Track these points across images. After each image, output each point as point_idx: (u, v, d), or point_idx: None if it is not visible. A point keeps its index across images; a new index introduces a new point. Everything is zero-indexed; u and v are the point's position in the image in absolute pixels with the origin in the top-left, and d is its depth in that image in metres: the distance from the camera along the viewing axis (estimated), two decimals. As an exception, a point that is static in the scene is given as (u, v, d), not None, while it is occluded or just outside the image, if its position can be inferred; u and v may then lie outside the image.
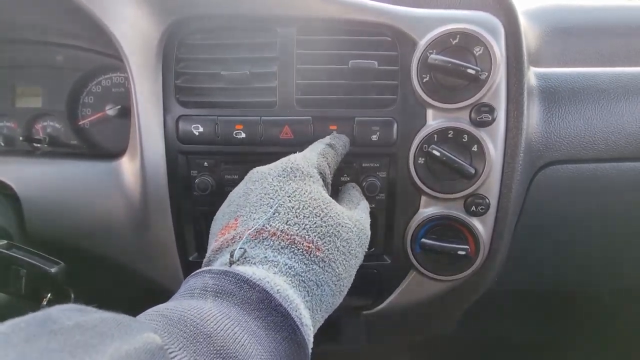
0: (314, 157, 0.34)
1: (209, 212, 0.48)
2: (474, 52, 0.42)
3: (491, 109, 0.42)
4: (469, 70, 0.40)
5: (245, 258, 0.26)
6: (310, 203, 0.28)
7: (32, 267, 0.35)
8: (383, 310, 0.52)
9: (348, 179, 0.46)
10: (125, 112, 0.54)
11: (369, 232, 0.33)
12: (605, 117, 0.48)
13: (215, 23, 0.44)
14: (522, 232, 0.50)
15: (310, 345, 0.24)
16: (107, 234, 0.46)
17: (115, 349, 0.15)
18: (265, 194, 0.29)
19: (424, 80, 0.43)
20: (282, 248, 0.26)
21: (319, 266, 0.26)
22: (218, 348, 0.19)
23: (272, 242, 0.26)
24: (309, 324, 0.25)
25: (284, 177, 0.30)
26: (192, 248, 0.49)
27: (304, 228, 0.27)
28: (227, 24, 0.44)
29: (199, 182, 0.46)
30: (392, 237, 0.47)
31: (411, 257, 0.47)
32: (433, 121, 0.44)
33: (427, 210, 0.46)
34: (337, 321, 0.61)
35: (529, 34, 0.54)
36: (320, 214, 0.28)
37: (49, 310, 0.16)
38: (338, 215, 0.29)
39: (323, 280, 0.26)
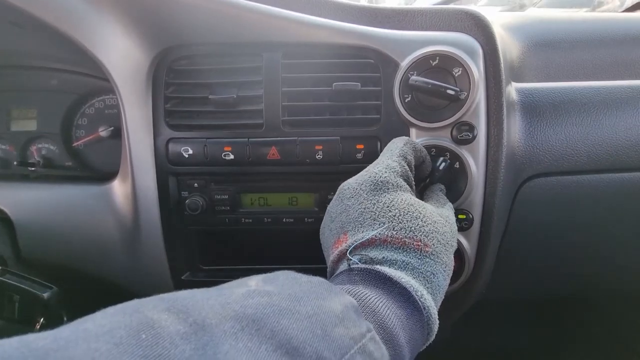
0: (397, 165, 0.36)
1: (200, 231, 0.50)
2: (453, 73, 0.43)
3: (471, 127, 0.44)
4: (449, 91, 0.42)
5: (366, 261, 0.30)
6: (408, 209, 0.32)
7: (25, 293, 0.36)
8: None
9: (335, 196, 0.47)
10: (118, 133, 0.55)
11: (456, 225, 0.37)
12: (586, 130, 0.49)
13: (202, 49, 0.45)
14: (509, 244, 0.51)
15: (437, 323, 0.29)
16: (100, 255, 0.47)
17: (338, 300, 0.23)
18: (364, 209, 0.33)
19: (406, 100, 0.44)
20: (396, 249, 0.30)
21: (431, 259, 0.31)
22: (380, 323, 0.25)
23: (386, 246, 0.31)
24: (434, 309, 0.29)
25: (377, 191, 0.33)
26: (184, 267, 0.50)
27: (410, 230, 0.31)
28: (214, 50, 0.45)
29: (190, 202, 0.47)
30: (380, 252, 0.48)
31: (399, 272, 0.48)
32: (417, 139, 0.45)
33: (413, 225, 0.47)
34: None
35: (512, 48, 0.55)
36: (419, 216, 0.32)
37: (287, 272, 0.26)
38: (433, 214, 0.33)
39: (437, 270, 0.31)
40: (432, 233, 0.32)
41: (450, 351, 0.79)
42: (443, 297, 0.32)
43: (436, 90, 0.42)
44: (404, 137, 0.40)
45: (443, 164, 0.43)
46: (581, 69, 0.57)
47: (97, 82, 0.56)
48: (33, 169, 0.55)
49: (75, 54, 0.44)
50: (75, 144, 0.58)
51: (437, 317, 0.29)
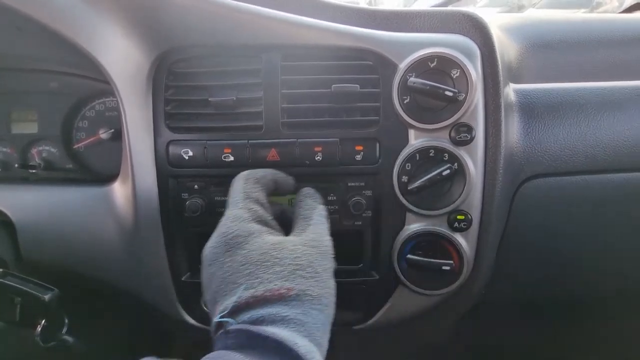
0: (243, 212, 0.35)
1: (200, 232, 0.50)
2: (451, 74, 0.43)
3: (469, 128, 0.44)
4: (447, 92, 0.42)
5: (250, 323, 0.29)
6: (262, 259, 0.31)
7: (26, 295, 0.36)
8: (374, 325, 0.52)
9: (334, 198, 0.48)
10: (119, 135, 0.55)
11: (327, 241, 0.35)
12: (584, 131, 0.50)
13: (202, 52, 0.46)
14: (508, 244, 0.51)
15: None
16: (101, 257, 0.47)
17: None
18: (224, 276, 0.32)
19: (405, 101, 0.44)
20: (261, 306, 0.30)
21: (298, 300, 0.30)
22: None
23: (252, 307, 0.30)
24: (311, 349, 0.28)
25: (231, 250, 0.33)
26: (185, 268, 0.50)
27: (269, 282, 0.30)
28: (214, 53, 0.46)
29: (190, 204, 0.47)
30: (379, 253, 0.49)
31: (398, 272, 0.48)
32: (415, 141, 0.45)
33: (412, 226, 0.47)
34: (330, 337, 0.61)
35: (510, 49, 0.56)
36: (276, 262, 0.31)
37: None
38: (291, 250, 0.32)
39: (307, 308, 0.30)
40: (291, 274, 0.31)
41: (453, 351, 0.80)
42: (328, 331, 0.32)
43: (434, 92, 0.42)
44: (242, 173, 0.39)
45: (447, 170, 0.43)
46: (579, 70, 0.57)
47: (97, 85, 0.56)
48: (34, 171, 0.55)
49: (75, 56, 0.44)
50: (75, 147, 0.58)
51: (319, 357, 0.28)
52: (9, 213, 0.47)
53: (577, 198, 0.50)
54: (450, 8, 0.51)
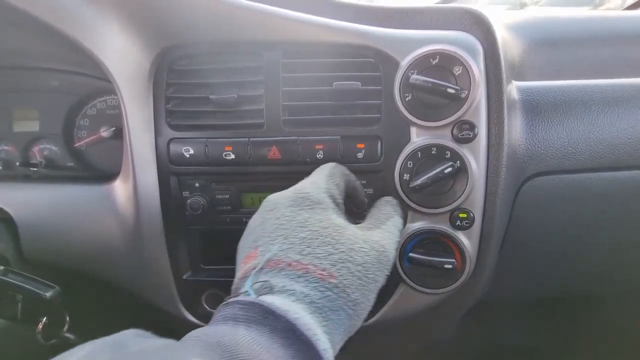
0: (322, 182, 0.35)
1: (201, 231, 0.50)
2: (454, 71, 0.43)
3: (472, 126, 0.44)
4: (449, 90, 0.42)
5: (266, 288, 0.28)
6: (321, 232, 0.30)
7: (27, 292, 0.36)
8: (376, 323, 0.52)
9: (336, 196, 0.47)
10: (120, 134, 0.55)
11: (391, 254, 0.33)
12: (587, 128, 0.49)
13: (203, 49, 0.45)
14: (511, 242, 0.50)
15: None
16: (102, 255, 0.47)
17: None
18: (279, 225, 0.31)
19: (407, 99, 0.44)
20: (298, 277, 0.28)
21: (333, 292, 0.28)
22: None
23: (289, 272, 0.28)
24: (327, 348, 0.26)
25: (295, 207, 0.32)
26: (186, 266, 0.50)
27: (316, 257, 0.28)
28: (215, 50, 0.46)
29: (191, 202, 0.47)
30: (381, 251, 0.48)
31: (400, 271, 0.48)
32: (417, 138, 0.45)
33: (414, 224, 0.47)
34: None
35: (513, 47, 0.55)
36: (331, 241, 0.29)
37: (118, 336, 0.20)
38: (351, 240, 0.30)
39: (338, 306, 0.28)
40: (342, 263, 0.28)
41: (455, 350, 0.79)
42: (347, 337, 0.29)
43: (436, 89, 0.42)
44: (333, 163, 0.41)
45: (450, 168, 0.43)
46: (582, 67, 0.57)
47: (98, 83, 0.56)
48: (35, 169, 0.55)
49: (76, 54, 0.44)
50: (77, 145, 0.58)
51: (331, 358, 0.26)
52: (10, 211, 0.47)
53: (580, 196, 0.49)
54: (452, 5, 0.51)
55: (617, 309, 0.73)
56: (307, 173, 0.46)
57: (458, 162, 0.44)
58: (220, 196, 0.48)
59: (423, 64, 0.43)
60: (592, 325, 0.76)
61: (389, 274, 0.33)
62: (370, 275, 0.30)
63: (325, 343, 0.26)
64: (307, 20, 0.44)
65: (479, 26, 0.45)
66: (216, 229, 0.49)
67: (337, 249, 0.29)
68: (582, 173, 0.49)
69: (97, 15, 0.42)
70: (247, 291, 0.27)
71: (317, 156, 0.45)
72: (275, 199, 0.34)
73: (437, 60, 0.43)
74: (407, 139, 0.45)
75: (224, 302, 0.28)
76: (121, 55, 0.44)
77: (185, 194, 0.48)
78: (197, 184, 0.47)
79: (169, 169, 0.46)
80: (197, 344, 0.22)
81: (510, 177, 0.47)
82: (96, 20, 0.43)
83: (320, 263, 0.28)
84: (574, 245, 0.53)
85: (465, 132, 0.44)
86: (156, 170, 0.46)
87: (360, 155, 0.45)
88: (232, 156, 0.45)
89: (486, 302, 0.54)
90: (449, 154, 0.44)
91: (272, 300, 0.26)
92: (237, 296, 0.28)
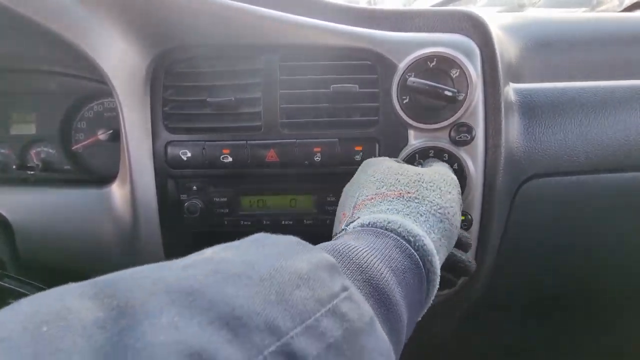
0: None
1: (199, 233, 0.50)
2: (451, 74, 0.43)
3: (469, 128, 0.44)
4: (446, 92, 0.42)
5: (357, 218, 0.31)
6: (388, 171, 0.35)
7: (23, 297, 0.36)
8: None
9: (334, 198, 0.47)
10: (117, 136, 0.55)
11: (454, 177, 0.37)
12: (584, 130, 0.49)
13: (200, 52, 0.45)
14: (509, 244, 0.51)
15: (436, 266, 0.28)
16: (99, 259, 0.47)
17: (307, 258, 0.21)
18: (363, 182, 0.35)
19: (404, 101, 0.44)
20: (380, 203, 0.31)
21: (414, 202, 0.31)
22: (367, 278, 0.23)
23: (369, 204, 0.32)
24: (429, 243, 0.28)
25: (366, 168, 0.37)
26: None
27: (390, 186, 0.33)
28: (212, 53, 0.46)
29: (189, 205, 0.47)
30: (379, 254, 0.48)
31: (398, 273, 0.48)
32: (415, 141, 0.45)
33: (412, 227, 0.47)
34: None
35: (510, 49, 0.55)
36: (398, 172, 0.34)
37: (257, 235, 0.23)
38: (415, 170, 0.35)
39: (423, 210, 0.31)
40: (413, 182, 0.33)
41: (454, 351, 0.79)
42: (447, 243, 0.31)
43: (434, 92, 0.42)
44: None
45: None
46: (579, 69, 0.57)
47: (96, 86, 0.56)
48: (32, 172, 0.55)
49: (73, 57, 0.44)
50: (74, 148, 0.58)
51: (435, 255, 0.27)
52: (6, 214, 0.47)
53: (578, 198, 0.50)
54: (449, 7, 0.51)
55: (615, 310, 0.73)
56: (306, 175, 0.47)
57: (456, 164, 0.44)
58: (218, 199, 0.47)
59: (420, 66, 0.43)
60: (590, 325, 0.76)
61: (460, 192, 0.36)
62: (443, 188, 0.33)
63: (426, 241, 0.27)
64: (304, 23, 0.44)
65: (476, 29, 0.45)
66: (214, 232, 0.49)
67: (404, 176, 0.34)
68: (579, 175, 0.49)
69: (94, 18, 0.42)
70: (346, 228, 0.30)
71: (315, 158, 0.45)
72: (363, 164, 0.39)
73: (434, 63, 0.43)
74: (405, 142, 0.45)
75: (337, 236, 0.30)
76: (118, 58, 0.44)
77: (183, 196, 0.47)
78: (194, 187, 0.47)
79: (167, 172, 0.46)
80: (322, 248, 0.24)
81: (507, 179, 0.47)
82: (94, 23, 0.42)
83: (395, 188, 0.32)
84: (572, 246, 0.53)
85: (462, 134, 0.44)
86: (153, 173, 0.46)
87: (358, 157, 0.45)
88: (230, 159, 0.45)
89: (484, 303, 0.54)
90: (446, 157, 0.44)
91: (373, 217, 0.29)
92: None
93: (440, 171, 0.36)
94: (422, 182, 0.33)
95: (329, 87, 0.44)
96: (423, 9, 0.49)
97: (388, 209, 0.30)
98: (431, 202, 0.31)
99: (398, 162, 0.38)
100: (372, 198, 0.32)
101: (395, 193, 0.32)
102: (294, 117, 0.45)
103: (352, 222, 0.30)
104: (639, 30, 0.59)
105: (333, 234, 0.36)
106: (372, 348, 0.19)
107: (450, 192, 0.34)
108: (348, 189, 0.37)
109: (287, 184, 0.48)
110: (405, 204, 0.31)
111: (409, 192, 0.32)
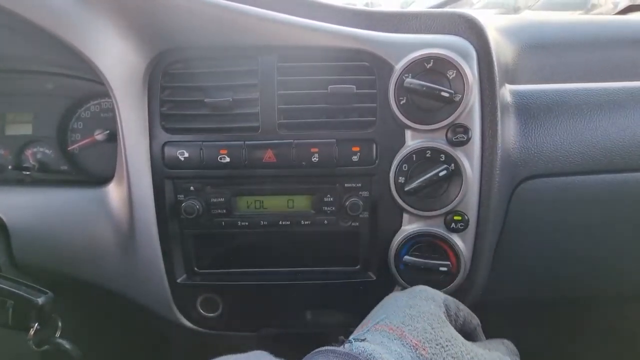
0: (441, 294, 0.39)
1: (196, 234, 0.50)
2: (448, 75, 0.43)
3: (466, 129, 0.44)
4: (443, 93, 0.42)
5: (365, 340, 0.30)
6: (427, 316, 0.33)
7: (19, 298, 0.36)
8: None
9: (331, 199, 0.47)
10: (114, 137, 0.55)
11: None
12: (580, 131, 0.50)
13: (198, 53, 0.45)
14: (506, 245, 0.51)
15: None
16: (96, 260, 0.47)
17: None
18: (395, 306, 0.36)
19: (401, 102, 0.44)
20: (394, 339, 0.31)
21: None
22: None
23: (387, 334, 0.31)
24: None
25: (412, 297, 0.37)
26: (181, 270, 0.50)
27: (414, 329, 0.31)
28: (210, 54, 0.46)
29: (186, 206, 0.47)
30: (376, 254, 0.48)
31: (395, 273, 0.48)
32: (412, 141, 0.45)
33: (409, 227, 0.47)
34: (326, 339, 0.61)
35: (506, 51, 0.56)
36: (433, 324, 0.32)
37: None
38: (452, 335, 0.32)
39: None
40: (436, 344, 0.31)
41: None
42: None
43: (431, 93, 0.42)
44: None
45: (444, 171, 0.43)
46: (575, 71, 0.58)
47: (92, 86, 0.56)
48: (28, 173, 0.55)
49: (70, 57, 0.44)
50: (70, 148, 0.58)
51: None
52: (2, 215, 0.46)
53: (573, 198, 0.50)
54: (446, 9, 0.51)
55: (612, 310, 0.73)
56: (303, 176, 0.47)
57: (452, 165, 0.44)
58: (215, 199, 0.47)
59: (417, 67, 0.44)
60: (587, 326, 0.76)
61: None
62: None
63: None
64: (302, 25, 0.44)
65: (473, 30, 0.46)
66: (211, 233, 0.49)
67: (435, 332, 0.31)
68: (575, 176, 0.50)
69: (92, 19, 0.42)
70: (349, 340, 0.30)
71: (313, 159, 0.45)
72: (397, 293, 0.39)
73: (431, 64, 0.44)
74: (402, 142, 0.46)
75: (317, 350, 0.30)
76: (116, 58, 0.44)
77: (180, 197, 0.47)
78: (192, 188, 0.47)
79: (164, 173, 0.46)
80: None
81: (504, 179, 0.47)
82: (91, 25, 0.42)
83: (417, 335, 0.31)
84: (568, 247, 0.53)
85: (459, 135, 0.44)
86: (151, 174, 0.46)
87: (355, 158, 0.46)
88: (227, 159, 0.45)
89: (481, 304, 0.54)
90: (443, 157, 0.44)
91: (365, 347, 0.29)
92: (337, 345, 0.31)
93: (479, 357, 0.33)
94: (445, 351, 0.31)
95: (326, 88, 0.45)
96: (420, 10, 0.49)
97: (397, 352, 0.29)
98: None
99: (446, 318, 0.35)
100: (392, 329, 0.31)
101: (414, 340, 0.30)
102: (292, 117, 0.46)
103: (361, 340, 0.30)
104: (633, 32, 0.60)
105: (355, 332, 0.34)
106: None
107: None
108: (385, 305, 0.37)
109: (285, 184, 0.48)
110: (413, 358, 0.29)
111: (424, 349, 0.30)
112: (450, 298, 0.39)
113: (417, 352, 0.30)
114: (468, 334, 0.39)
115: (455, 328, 0.36)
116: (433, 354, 0.30)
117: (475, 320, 0.40)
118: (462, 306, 0.39)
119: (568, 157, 0.49)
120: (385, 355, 0.28)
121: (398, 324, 0.32)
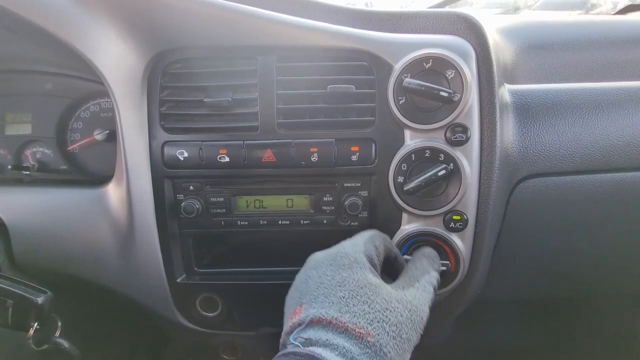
0: (361, 244, 0.38)
1: (195, 234, 0.50)
2: (447, 75, 0.43)
3: (465, 129, 0.44)
4: (442, 93, 0.42)
5: (310, 340, 0.30)
6: (358, 291, 0.32)
7: (18, 297, 0.36)
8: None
9: (330, 198, 0.48)
10: (114, 137, 0.55)
11: (424, 313, 0.34)
12: (579, 131, 0.50)
13: (197, 53, 0.46)
14: (505, 243, 0.51)
15: None
16: (95, 259, 0.47)
17: None
18: (320, 283, 0.34)
19: (400, 102, 0.44)
20: (339, 333, 0.30)
21: (372, 350, 0.30)
22: None
23: (330, 328, 0.30)
24: None
25: (334, 266, 0.35)
26: (180, 270, 0.50)
27: (354, 315, 0.31)
28: (209, 54, 0.46)
29: (185, 205, 0.47)
30: (376, 254, 0.48)
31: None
32: (411, 141, 0.45)
33: (408, 227, 0.47)
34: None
35: (505, 51, 0.56)
36: (367, 301, 0.32)
37: None
38: (385, 300, 0.32)
39: None
40: (377, 322, 0.31)
41: (451, 351, 0.79)
42: None
43: (430, 92, 0.42)
44: (375, 230, 0.42)
45: (443, 171, 0.43)
46: (574, 71, 0.58)
47: (92, 86, 0.56)
48: (27, 173, 0.55)
49: (70, 58, 0.44)
50: (70, 148, 0.58)
51: None
52: (1, 215, 0.46)
53: (572, 197, 0.50)
54: (445, 9, 0.51)
55: (609, 310, 0.73)
56: (302, 176, 0.47)
57: (451, 164, 0.44)
58: (214, 199, 0.47)
59: (416, 67, 0.44)
60: (585, 325, 0.76)
61: (422, 332, 0.34)
62: (404, 335, 0.32)
63: None
64: (301, 24, 0.45)
65: (472, 30, 0.46)
66: (210, 232, 0.49)
67: (372, 308, 0.31)
68: (574, 175, 0.50)
69: (91, 19, 0.42)
70: (297, 345, 0.30)
71: (312, 159, 0.45)
72: (318, 258, 0.37)
73: (430, 64, 0.44)
74: (401, 142, 0.46)
75: (280, 354, 0.30)
76: (115, 58, 0.44)
77: (180, 197, 0.47)
78: (191, 187, 0.47)
79: (163, 172, 0.46)
80: None
81: (503, 179, 0.47)
82: (91, 25, 0.42)
83: (358, 322, 0.30)
84: (567, 246, 0.53)
85: (458, 134, 0.44)
86: (150, 173, 0.46)
87: (354, 157, 0.46)
88: (227, 159, 0.45)
89: (480, 303, 0.54)
90: (442, 157, 0.44)
91: (321, 352, 0.28)
92: (286, 348, 0.30)
93: (413, 303, 0.33)
94: (387, 323, 0.31)
95: (325, 87, 0.45)
96: (419, 10, 0.49)
97: (345, 347, 0.29)
98: (385, 355, 0.30)
99: (372, 273, 0.35)
100: (332, 322, 0.30)
101: (357, 330, 0.30)
102: (291, 117, 0.46)
103: (302, 338, 0.30)
104: (632, 33, 0.60)
105: (284, 322, 0.34)
106: None
107: (409, 339, 0.32)
108: (308, 279, 0.35)
109: (284, 184, 0.48)
110: (362, 349, 0.29)
111: (369, 334, 0.30)
112: (368, 243, 0.38)
113: (363, 340, 0.30)
114: (390, 264, 0.41)
115: (380, 267, 0.37)
116: (377, 334, 0.30)
117: (394, 249, 0.42)
118: (377, 241, 0.39)
119: (567, 156, 0.49)
120: (334, 358, 0.28)
121: (336, 314, 0.31)
